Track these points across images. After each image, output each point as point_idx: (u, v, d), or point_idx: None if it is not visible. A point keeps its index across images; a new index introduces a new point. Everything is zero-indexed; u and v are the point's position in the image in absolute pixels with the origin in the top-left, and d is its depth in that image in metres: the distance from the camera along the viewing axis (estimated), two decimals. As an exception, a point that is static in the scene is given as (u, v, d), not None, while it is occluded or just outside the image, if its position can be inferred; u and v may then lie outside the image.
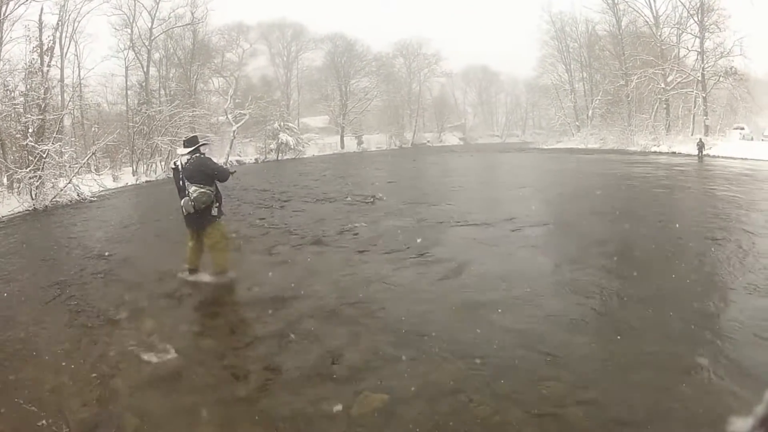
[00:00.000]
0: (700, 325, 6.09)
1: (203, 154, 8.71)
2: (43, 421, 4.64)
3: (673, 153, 43.16)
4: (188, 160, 8.46)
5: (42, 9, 30.45)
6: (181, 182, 8.50)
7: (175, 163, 8.71)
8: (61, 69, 39.61)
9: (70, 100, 37.56)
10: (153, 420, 4.66)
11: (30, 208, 23.51)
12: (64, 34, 39.42)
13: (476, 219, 13.57)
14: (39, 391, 5.23)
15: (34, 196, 24.21)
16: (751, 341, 5.62)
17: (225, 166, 9.15)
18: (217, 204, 8.66)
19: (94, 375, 5.52)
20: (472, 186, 24.27)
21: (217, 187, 8.64)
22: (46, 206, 24.09)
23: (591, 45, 64.49)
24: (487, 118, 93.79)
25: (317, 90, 74.88)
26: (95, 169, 34.47)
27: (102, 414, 4.75)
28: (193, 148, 8.50)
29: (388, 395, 4.77)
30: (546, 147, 63.47)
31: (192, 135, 9.04)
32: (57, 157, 25.95)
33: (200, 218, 8.50)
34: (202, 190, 8.34)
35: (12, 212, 22.54)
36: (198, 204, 8.33)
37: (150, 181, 37.98)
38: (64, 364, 5.87)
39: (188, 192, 8.35)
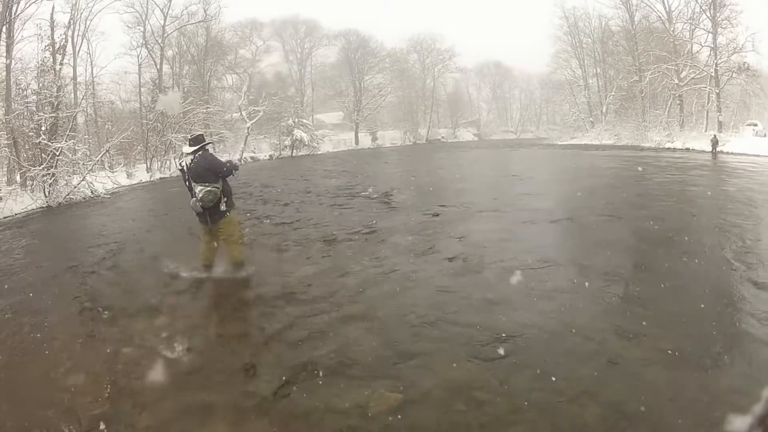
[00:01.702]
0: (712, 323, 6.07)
1: (207, 150, 8.71)
2: (55, 418, 4.65)
3: (687, 149, 42.83)
4: (192, 159, 8.43)
5: (53, 7, 30.68)
6: (187, 183, 8.52)
7: (181, 164, 8.68)
8: (74, 67, 39.85)
9: (83, 98, 37.63)
10: (165, 417, 4.65)
11: (44, 206, 23.66)
12: (76, 33, 39.56)
13: (492, 215, 13.52)
14: (50, 388, 5.23)
15: (47, 194, 24.36)
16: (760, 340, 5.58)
17: (230, 161, 9.06)
18: (225, 199, 8.64)
19: (106, 371, 5.50)
20: (490, 183, 24.16)
21: (225, 182, 8.63)
22: (60, 203, 24.26)
23: (604, 40, 64.26)
24: (502, 114, 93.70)
25: (331, 86, 75.06)
26: (109, 167, 34.76)
27: (113, 411, 4.74)
28: (198, 147, 8.47)
29: (402, 394, 4.75)
30: (560, 143, 63.27)
31: (198, 133, 8.98)
32: (70, 155, 26.19)
33: (211, 215, 8.51)
34: (208, 188, 8.31)
35: (26, 209, 22.71)
36: (205, 203, 8.31)
37: (164, 177, 38.08)
38: (75, 360, 5.89)
39: (194, 192, 8.35)
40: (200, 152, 8.47)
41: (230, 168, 8.65)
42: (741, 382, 4.71)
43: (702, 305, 6.55)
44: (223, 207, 8.55)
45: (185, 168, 8.45)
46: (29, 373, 5.63)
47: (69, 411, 4.75)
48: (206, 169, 8.36)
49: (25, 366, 5.85)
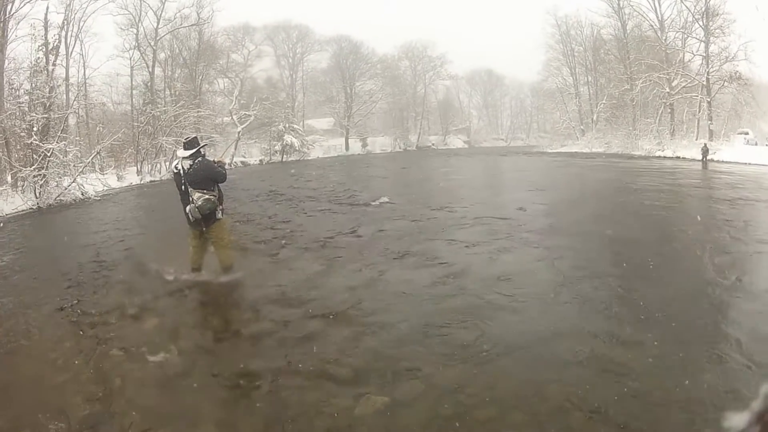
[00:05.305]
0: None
1: (204, 155, 8.67)
2: (45, 419, 4.63)
3: (678, 158, 42.95)
4: (191, 165, 8.35)
5: (48, 8, 30.71)
6: (183, 187, 8.43)
7: (176, 167, 8.58)
8: (66, 68, 39.66)
9: (75, 100, 37.59)
10: (155, 419, 4.66)
11: (34, 207, 23.62)
12: (69, 33, 39.52)
13: (480, 222, 13.53)
14: (40, 389, 5.23)
15: (38, 195, 24.29)
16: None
17: (219, 163, 9.00)
18: (222, 207, 8.63)
19: (96, 373, 5.52)
20: (477, 189, 24.21)
21: (219, 188, 8.62)
22: (50, 205, 24.20)
23: (596, 49, 64.29)
24: (492, 121, 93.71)
25: (322, 92, 74.76)
26: (100, 169, 34.59)
27: (103, 412, 4.75)
28: (194, 150, 8.40)
29: (389, 397, 4.77)
30: (551, 150, 63.18)
31: (192, 136, 8.91)
32: (61, 156, 26.09)
33: (206, 221, 8.44)
34: (206, 196, 8.25)
35: (16, 210, 22.66)
36: (203, 211, 8.25)
37: (154, 181, 38.05)
38: (66, 361, 5.88)
39: (192, 199, 8.27)
40: (199, 158, 8.42)
41: (224, 174, 8.62)
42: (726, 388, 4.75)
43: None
44: (219, 215, 8.53)
45: (182, 172, 8.40)
46: (18, 374, 5.63)
47: (59, 412, 4.74)
48: (207, 177, 8.34)
49: (13, 367, 5.85)
